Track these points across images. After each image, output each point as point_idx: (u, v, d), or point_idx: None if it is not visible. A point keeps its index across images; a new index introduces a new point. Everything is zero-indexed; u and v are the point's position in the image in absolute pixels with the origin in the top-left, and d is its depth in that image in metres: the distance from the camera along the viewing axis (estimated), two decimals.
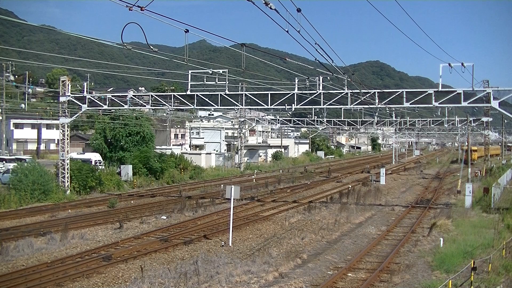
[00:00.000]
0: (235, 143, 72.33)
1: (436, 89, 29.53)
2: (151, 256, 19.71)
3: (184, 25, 16.94)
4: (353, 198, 36.93)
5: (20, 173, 33.78)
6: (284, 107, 33.63)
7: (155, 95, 39.24)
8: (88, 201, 35.13)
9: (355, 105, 32.24)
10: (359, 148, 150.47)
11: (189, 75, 32.50)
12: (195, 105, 34.59)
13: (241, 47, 21.30)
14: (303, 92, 32.13)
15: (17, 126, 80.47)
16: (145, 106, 44.22)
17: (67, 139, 37.26)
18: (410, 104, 30.46)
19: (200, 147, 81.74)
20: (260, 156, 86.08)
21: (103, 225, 26.16)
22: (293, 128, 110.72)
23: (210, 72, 31.21)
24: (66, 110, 37.62)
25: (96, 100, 37.37)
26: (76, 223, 25.93)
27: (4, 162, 47.11)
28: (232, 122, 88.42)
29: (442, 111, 52.12)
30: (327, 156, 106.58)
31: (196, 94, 33.48)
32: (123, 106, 37.67)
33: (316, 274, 17.17)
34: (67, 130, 37.64)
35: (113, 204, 32.26)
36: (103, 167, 46.44)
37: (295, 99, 32.16)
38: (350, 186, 45.88)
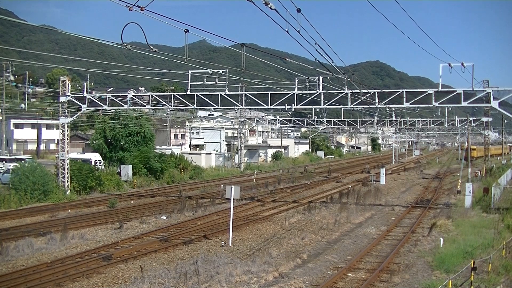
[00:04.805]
0: (235, 143, 72.33)
1: (436, 89, 29.53)
2: (151, 256, 19.71)
3: (184, 25, 16.97)
4: (353, 198, 36.93)
5: (21, 173, 33.76)
6: (284, 107, 33.63)
7: (155, 95, 39.25)
8: (88, 201, 35.13)
9: (355, 105, 32.24)
10: (359, 148, 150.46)
11: (189, 75, 32.49)
12: (195, 105, 34.59)
13: (241, 47, 21.32)
14: (303, 92, 32.13)
15: (17, 126, 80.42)
16: (145, 106, 44.24)
17: (67, 139, 37.26)
18: (410, 104, 30.45)
19: (200, 147, 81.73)
20: (260, 156, 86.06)
21: (103, 225, 26.16)
22: (293, 128, 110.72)
23: (210, 72, 31.20)
24: (66, 110, 37.61)
25: (96, 100, 37.37)
26: (76, 223, 25.94)
27: (4, 162, 47.08)
28: (232, 122, 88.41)
29: (442, 111, 52.13)
30: (327, 156, 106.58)
31: (196, 94, 33.49)
32: (123, 106, 37.66)
33: (316, 274, 17.17)
34: (67, 130, 37.63)
35: (113, 204, 32.26)
36: (103, 167, 46.44)
37: (295, 99, 32.16)
38: (350, 186, 45.89)
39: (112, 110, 48.29)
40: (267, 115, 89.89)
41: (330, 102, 32.09)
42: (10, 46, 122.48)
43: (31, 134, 79.71)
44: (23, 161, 38.04)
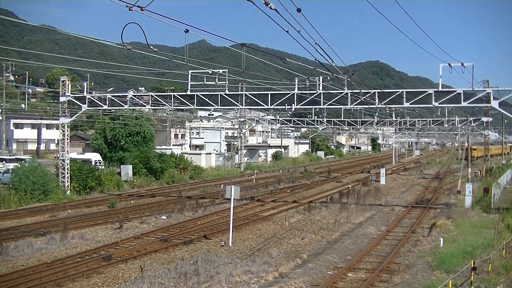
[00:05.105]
0: (235, 143, 72.34)
1: (436, 89, 29.54)
2: (151, 256, 19.71)
3: (184, 25, 16.99)
4: (353, 198, 36.93)
5: (21, 173, 33.75)
6: (284, 107, 33.63)
7: (155, 95, 39.25)
8: (88, 201, 35.13)
9: (355, 105, 32.24)
10: (359, 148, 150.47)
11: (189, 75, 32.49)
12: (195, 105, 34.60)
13: (241, 47, 21.33)
14: (303, 92, 32.13)
15: (17, 126, 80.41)
16: (145, 106, 44.26)
17: (67, 139, 37.26)
18: (410, 104, 30.46)
19: (200, 147, 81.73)
20: (260, 156, 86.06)
21: (103, 225, 26.16)
22: (293, 128, 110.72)
23: (210, 72, 31.20)
24: (66, 110, 37.61)
25: (96, 100, 37.37)
26: (76, 223, 25.94)
27: (4, 162, 47.08)
28: (232, 122, 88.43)
29: (442, 111, 52.12)
30: (327, 156, 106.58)
31: (196, 94, 33.49)
32: (123, 106, 37.67)
33: (316, 274, 17.17)
34: (67, 130, 37.63)
35: (113, 204, 32.25)
36: (103, 167, 46.43)
37: (295, 99, 32.16)
38: (350, 186, 45.88)
39: (112, 110, 48.27)
40: (267, 115, 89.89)
41: (330, 102, 32.09)
42: (10, 46, 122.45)
43: (31, 134, 79.70)
44: (23, 161, 38.04)
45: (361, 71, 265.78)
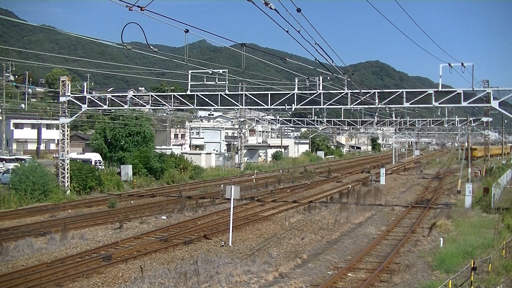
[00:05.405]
0: (235, 143, 72.34)
1: (436, 89, 29.54)
2: (151, 256, 19.71)
3: (184, 25, 17.02)
4: (353, 198, 36.93)
5: (21, 173, 33.75)
6: (284, 107, 33.64)
7: (155, 95, 39.24)
8: (88, 201, 35.13)
9: (355, 105, 32.25)
10: (359, 148, 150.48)
11: (189, 75, 32.51)
12: (195, 105, 34.61)
13: (241, 47, 21.34)
14: (303, 92, 32.14)
15: (17, 126, 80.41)
16: (145, 106, 44.23)
17: (67, 139, 37.25)
18: (410, 104, 30.46)
19: (200, 147, 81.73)
20: (260, 156, 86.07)
21: (103, 225, 26.16)
22: (293, 128, 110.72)
23: (210, 72, 31.22)
24: (66, 110, 37.60)
25: (96, 100, 37.37)
26: (76, 223, 25.94)
27: (4, 162, 47.08)
28: (232, 122, 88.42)
29: (442, 111, 52.17)
30: (327, 156, 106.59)
31: (196, 94, 33.49)
32: (123, 106, 37.69)
33: (316, 274, 17.17)
34: (67, 130, 37.63)
35: (113, 204, 32.25)
36: (103, 167, 46.43)
37: (295, 99, 32.16)
38: (350, 186, 45.87)
39: (112, 110, 48.29)
40: (267, 115, 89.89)
41: (330, 102, 32.09)
42: (10, 46, 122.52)
43: (31, 134, 79.67)
44: (23, 161, 38.02)
45: (361, 71, 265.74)
